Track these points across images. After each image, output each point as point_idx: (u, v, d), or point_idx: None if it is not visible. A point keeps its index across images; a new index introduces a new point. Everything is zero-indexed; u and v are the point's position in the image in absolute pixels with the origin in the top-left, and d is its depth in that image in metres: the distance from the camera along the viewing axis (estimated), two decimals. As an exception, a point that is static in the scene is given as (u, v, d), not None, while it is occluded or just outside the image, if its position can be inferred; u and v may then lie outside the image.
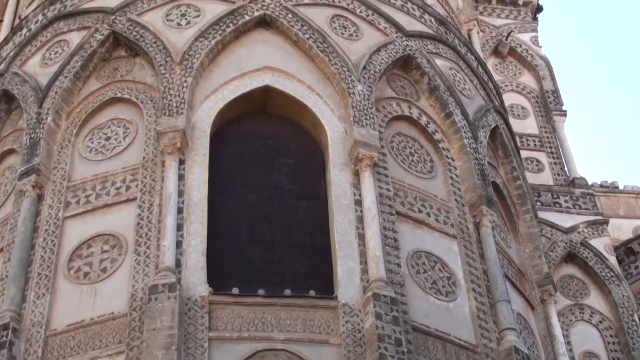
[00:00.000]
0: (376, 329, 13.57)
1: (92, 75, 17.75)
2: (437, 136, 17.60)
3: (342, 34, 18.08)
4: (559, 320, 18.14)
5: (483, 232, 16.44)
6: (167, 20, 17.96)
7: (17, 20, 21.12)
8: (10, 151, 17.76)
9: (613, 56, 76.15)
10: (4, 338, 14.03)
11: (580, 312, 20.28)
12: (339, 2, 18.73)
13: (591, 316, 20.44)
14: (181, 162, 15.62)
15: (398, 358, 13.39)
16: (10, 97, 18.32)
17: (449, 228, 16.30)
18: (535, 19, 28.38)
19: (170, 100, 16.32)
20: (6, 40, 20.16)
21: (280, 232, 15.62)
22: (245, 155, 16.69)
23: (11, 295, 14.76)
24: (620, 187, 24.75)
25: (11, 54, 19.26)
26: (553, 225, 21.39)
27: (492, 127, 18.84)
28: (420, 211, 16.16)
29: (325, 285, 14.51)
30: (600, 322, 20.40)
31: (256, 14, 17.86)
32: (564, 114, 25.49)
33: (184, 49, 17.12)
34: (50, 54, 18.48)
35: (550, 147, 24.65)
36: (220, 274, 14.43)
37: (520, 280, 17.31)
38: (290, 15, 17.90)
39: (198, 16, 17.88)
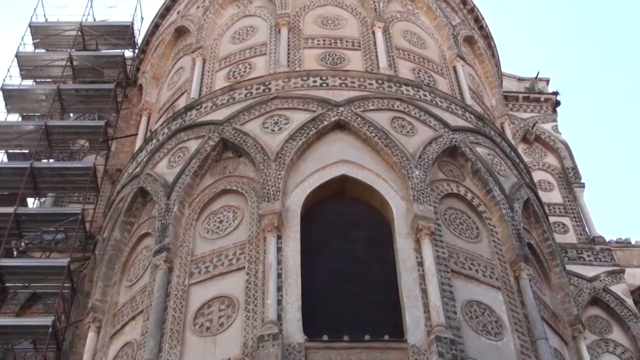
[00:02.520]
0: (440, 365, 13.53)
1: (207, 173, 18.08)
2: (481, 208, 17.56)
3: (401, 131, 18.21)
4: (589, 353, 17.78)
5: (522, 283, 16.26)
6: (264, 127, 18.29)
7: (149, 133, 21.66)
8: (146, 234, 18.09)
9: (621, 134, 76.05)
10: (145, 381, 14.28)
11: (605, 345, 20.03)
12: (397, 106, 18.88)
13: (615, 348, 20.30)
14: (279, 237, 15.82)
15: (458, 389, 13.31)
16: (145, 192, 18.71)
17: (494, 281, 16.16)
18: (554, 111, 28.43)
19: (269, 189, 16.58)
20: (140, 149, 20.71)
21: (358, 290, 15.62)
22: (329, 230, 16.80)
23: (150, 347, 14.98)
24: (633, 242, 24.31)
25: (145, 159, 19.72)
26: (579, 276, 21.27)
27: (524, 199, 18.71)
28: (470, 268, 16.08)
29: (396, 331, 14.47)
30: (623, 353, 20.24)
31: (332, 119, 18.12)
32: (582, 185, 25.57)
33: (278, 149, 17.42)
34: (174, 158, 18.88)
35: (573, 213, 24.56)
36: (313, 325, 14.46)
37: (554, 321, 17.01)
38: (359, 119, 18.13)
39: (287, 123, 18.19)
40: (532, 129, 27.11)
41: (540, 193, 22.00)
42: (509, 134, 22.92)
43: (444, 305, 14.64)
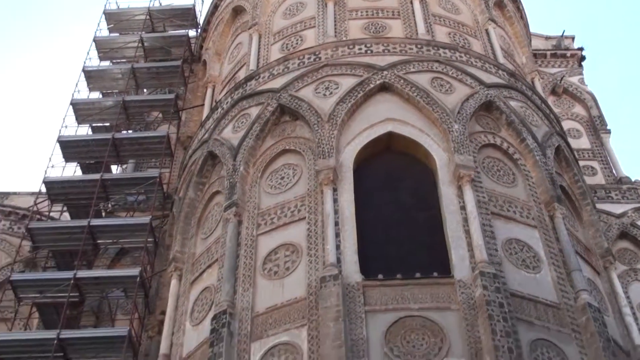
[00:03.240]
0: (484, 297, 13.54)
1: (268, 136, 18.20)
2: (516, 156, 17.38)
3: (440, 90, 18.05)
4: (619, 281, 17.59)
5: (556, 221, 16.16)
6: (316, 92, 18.30)
7: (214, 103, 21.81)
8: (217, 192, 18.32)
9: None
10: (225, 319, 14.54)
11: (634, 274, 19.71)
12: (436, 68, 18.71)
13: (643, 276, 20.06)
14: (334, 190, 15.92)
15: (502, 317, 13.31)
16: (213, 155, 18.92)
17: (531, 221, 16.05)
18: (580, 65, 27.83)
19: (323, 147, 16.65)
20: (207, 117, 20.88)
21: (408, 234, 15.68)
22: (379, 181, 16.82)
23: (226, 290, 15.27)
24: (657, 181, 23.91)
25: (212, 126, 19.91)
26: (608, 213, 20.90)
27: (556, 146, 18.47)
28: (508, 210, 15.99)
29: (444, 269, 14.51)
30: (650, 280, 19.97)
31: (378, 82, 18.06)
32: (608, 131, 25.01)
33: (330, 111, 17.45)
34: (238, 124, 19.02)
35: (601, 157, 24.11)
36: (369, 266, 14.59)
37: (587, 255, 16.84)
38: (402, 81, 18.02)
39: (337, 88, 18.16)
40: (560, 82, 26.62)
41: (570, 140, 21.64)
42: (539, 88, 22.52)
43: (485, 244, 14.63)
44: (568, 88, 26.72)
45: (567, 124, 24.48)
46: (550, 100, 25.35)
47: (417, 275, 14.27)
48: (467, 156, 16.27)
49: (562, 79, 26.70)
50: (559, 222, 16.08)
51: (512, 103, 18.55)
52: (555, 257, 15.37)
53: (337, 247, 14.82)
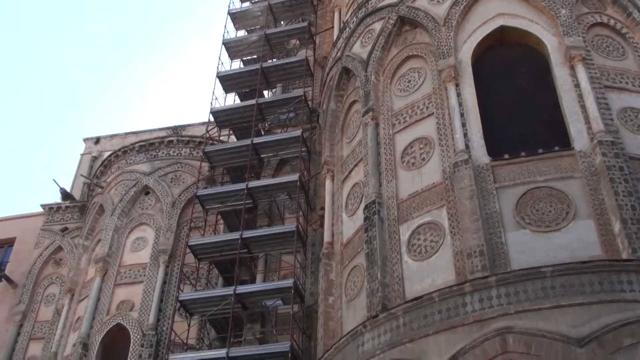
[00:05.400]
0: (604, 163, 12.98)
1: (392, 46, 17.84)
2: (624, 30, 16.11)
3: (545, -20, 16.91)
4: None
5: (667, 88, 15.00)
6: (430, 1, 17.62)
7: (342, 25, 21.55)
8: (354, 101, 18.34)
9: None
10: (375, 208, 14.80)
11: None
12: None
13: None
14: (457, 85, 15.51)
15: (623, 179, 12.74)
16: (347, 70, 18.86)
17: (643, 89, 15.04)
18: None
19: (442, 49, 16.17)
20: (337, 38, 20.68)
21: (527, 115, 15.08)
22: (496, 72, 16.15)
23: (372, 183, 15.47)
24: None
25: (342, 45, 19.72)
26: None
27: (662, 17, 16.97)
28: (620, 82, 14.98)
29: (563, 143, 13.93)
30: None
31: (486, -18, 17.13)
32: None
33: (444, 16, 16.81)
34: (364, 39, 18.74)
35: None
36: (495, 148, 14.26)
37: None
38: (508, -22, 16.99)
39: (449, -7, 17.44)
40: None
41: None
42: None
43: (601, 115, 13.90)
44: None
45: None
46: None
47: (540, 151, 13.81)
48: (576, 37, 15.29)
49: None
50: (670, 88, 14.92)
51: (617, -19, 17.07)
52: (668, 118, 14.37)
53: (465, 135, 14.56)
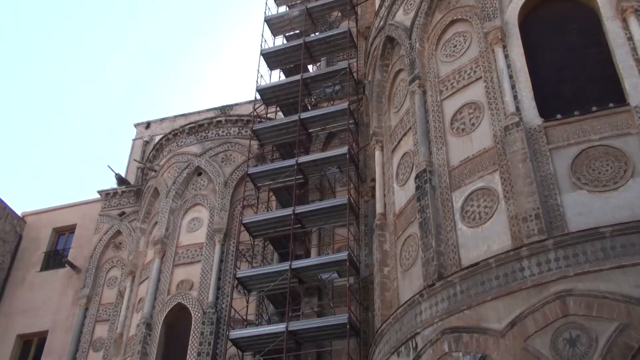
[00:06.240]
0: (662, 117, 12.54)
1: (435, 11, 17.50)
2: (678, -22, 15.45)
3: None
4: None
5: None
6: (472, -38, 17.26)
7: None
8: (400, 70, 18.15)
9: None
10: (426, 176, 14.71)
11: None
12: None
13: None
14: (504, 47, 15.14)
15: (682, 130, 12.31)
16: (391, 39, 18.65)
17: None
18: None
19: (487, 11, 15.80)
20: (380, 6, 20.31)
21: (579, 73, 14.65)
22: (544, 30, 15.65)
23: (422, 152, 15.35)
24: None
25: (385, 13, 19.43)
26: None
27: None
28: (676, 31, 14.41)
29: (618, 99, 13.47)
30: None
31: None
32: None
33: (488, -24, 16.39)
34: (407, 6, 18.43)
35: None
36: (547, 109, 13.92)
37: None
38: None
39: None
40: None
41: None
42: None
43: (657, 68, 13.38)
44: None
45: None
46: None
47: (594, 109, 13.40)
48: (628, -11, 14.71)
49: None
50: None
51: None
52: None
53: (515, 97, 14.24)
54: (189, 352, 19.54)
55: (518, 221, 12.63)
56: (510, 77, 14.59)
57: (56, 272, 26.88)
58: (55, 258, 27.67)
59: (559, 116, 13.61)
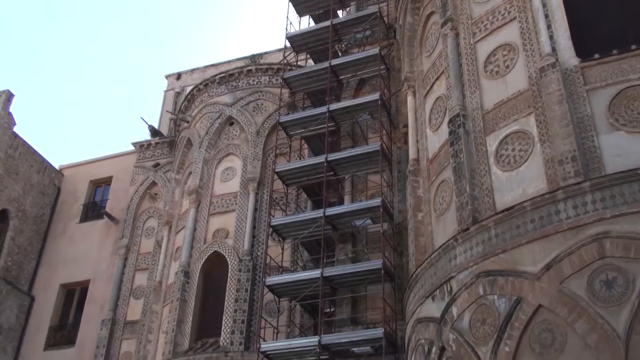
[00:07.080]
0: None
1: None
2: None
3: None
4: None
5: None
6: None
7: None
8: (431, 13, 17.79)
9: None
10: (459, 121, 14.57)
11: None
12: None
13: None
14: (541, -15, 14.71)
15: None
16: (422, -19, 18.28)
17: None
18: None
19: (522, -53, 15.32)
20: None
21: (619, 10, 14.13)
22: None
23: (456, 96, 15.15)
24: None
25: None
26: None
27: None
28: None
29: (659, 36, 13.11)
30: None
31: None
32: None
33: None
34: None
35: None
36: (584, 48, 13.56)
37: None
38: None
39: None
40: None
41: None
42: None
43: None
44: None
45: None
46: None
47: (633, 47, 12.99)
48: None
49: None
50: None
51: None
52: None
53: (551, 37, 13.90)
54: (226, 298, 19.98)
55: (554, 164, 12.48)
56: (546, 16, 14.21)
57: (95, 224, 27.55)
58: (93, 210, 28.32)
59: (596, 56, 13.27)
